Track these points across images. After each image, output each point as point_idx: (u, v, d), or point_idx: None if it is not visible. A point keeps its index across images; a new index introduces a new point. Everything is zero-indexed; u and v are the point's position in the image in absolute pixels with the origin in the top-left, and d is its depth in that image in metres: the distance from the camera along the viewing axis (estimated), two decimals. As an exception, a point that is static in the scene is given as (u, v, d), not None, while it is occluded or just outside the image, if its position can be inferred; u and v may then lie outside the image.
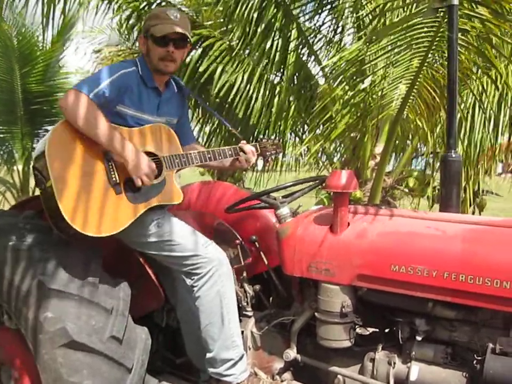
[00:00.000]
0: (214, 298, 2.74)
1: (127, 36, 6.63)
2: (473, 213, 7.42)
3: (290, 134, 5.88)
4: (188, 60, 5.36)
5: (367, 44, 3.86)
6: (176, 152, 2.83)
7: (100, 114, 2.52)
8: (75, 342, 2.39)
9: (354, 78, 4.74)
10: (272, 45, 5.25)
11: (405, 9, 4.52)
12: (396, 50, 3.77)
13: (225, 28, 5.64)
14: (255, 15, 5.18)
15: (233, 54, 5.40)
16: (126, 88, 2.69)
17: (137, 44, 6.33)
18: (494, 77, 4.65)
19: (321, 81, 5.75)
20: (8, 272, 2.54)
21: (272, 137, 3.24)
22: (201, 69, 5.29)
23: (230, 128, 3.59)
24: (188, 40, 2.84)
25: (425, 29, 3.51)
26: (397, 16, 4.36)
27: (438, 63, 3.88)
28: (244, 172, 8.22)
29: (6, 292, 2.56)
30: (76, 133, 2.51)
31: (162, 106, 2.91)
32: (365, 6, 5.05)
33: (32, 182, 7.82)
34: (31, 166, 7.77)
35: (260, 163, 6.10)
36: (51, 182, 2.40)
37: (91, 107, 2.50)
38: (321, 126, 5.56)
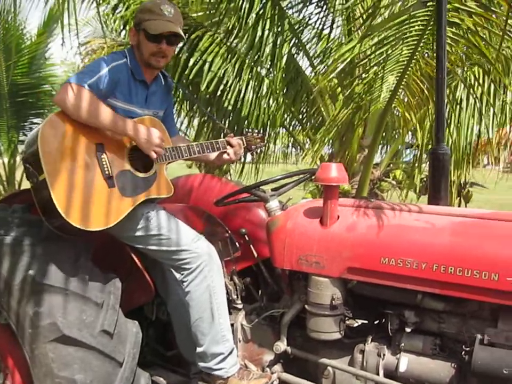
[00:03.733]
0: (203, 294, 2.74)
1: (113, 28, 6.58)
2: (459, 205, 7.48)
3: (279, 127, 5.88)
4: (176, 51, 5.33)
5: (361, 41, 3.87)
6: (166, 145, 2.82)
7: (101, 103, 2.52)
8: (66, 336, 2.38)
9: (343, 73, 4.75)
10: (262, 37, 5.23)
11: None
12: (387, 46, 3.78)
13: (213, 20, 5.61)
14: (244, 6, 5.16)
15: (223, 46, 5.37)
16: (118, 80, 2.68)
17: (122, 35, 6.29)
18: (484, 68, 4.67)
19: (310, 73, 5.76)
20: (-3, 266, 2.52)
21: (256, 130, 3.25)
22: (190, 62, 5.27)
23: (217, 122, 3.57)
24: (182, 36, 2.82)
25: (415, 23, 3.53)
26: (390, 11, 4.37)
27: (427, 55, 3.90)
28: (231, 164, 8.22)
29: (-4, 287, 2.54)
30: (68, 125, 2.50)
31: (150, 99, 2.89)
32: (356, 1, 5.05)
33: (18, 175, 7.77)
34: (18, 159, 7.73)
35: (247, 156, 6.11)
36: (44, 175, 2.38)
37: (90, 97, 2.49)
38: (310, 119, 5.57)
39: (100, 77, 2.57)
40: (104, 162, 2.55)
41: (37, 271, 2.46)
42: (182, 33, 2.81)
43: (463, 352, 2.35)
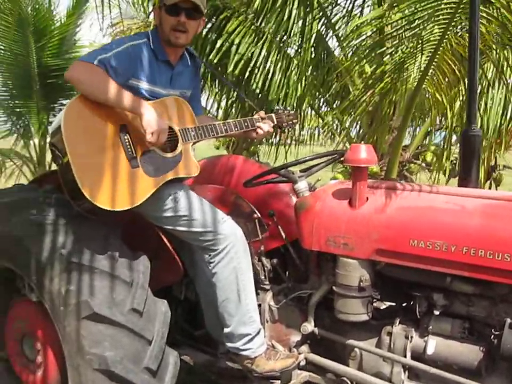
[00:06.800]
0: (230, 275, 2.76)
1: (141, 8, 6.60)
2: (489, 188, 7.38)
3: (307, 108, 5.84)
4: (203, 32, 5.31)
5: (388, 10, 3.79)
6: (192, 125, 2.82)
7: (106, 77, 2.50)
8: (96, 314, 2.42)
9: (373, 52, 4.68)
10: (290, 17, 5.18)
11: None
12: (416, 22, 3.72)
13: (241, 0, 5.57)
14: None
15: (251, 26, 5.34)
16: (137, 60, 2.67)
17: (151, 17, 6.30)
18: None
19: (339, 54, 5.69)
20: (29, 245, 2.57)
21: (288, 108, 3.20)
22: (218, 44, 5.25)
23: (246, 100, 3.52)
24: (201, 11, 2.78)
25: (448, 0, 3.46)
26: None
27: (459, 35, 3.83)
28: (259, 146, 8.19)
29: (28, 265, 2.59)
30: (92, 107, 2.51)
31: (175, 80, 2.87)
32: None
33: (48, 156, 7.86)
34: (47, 141, 7.81)
35: (276, 137, 6.08)
36: (68, 157, 2.40)
37: (95, 71, 2.49)
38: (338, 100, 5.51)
39: (115, 53, 2.56)
40: (127, 143, 2.56)
41: (67, 250, 2.50)
42: (202, 7, 2.75)
43: (492, 336, 2.34)
